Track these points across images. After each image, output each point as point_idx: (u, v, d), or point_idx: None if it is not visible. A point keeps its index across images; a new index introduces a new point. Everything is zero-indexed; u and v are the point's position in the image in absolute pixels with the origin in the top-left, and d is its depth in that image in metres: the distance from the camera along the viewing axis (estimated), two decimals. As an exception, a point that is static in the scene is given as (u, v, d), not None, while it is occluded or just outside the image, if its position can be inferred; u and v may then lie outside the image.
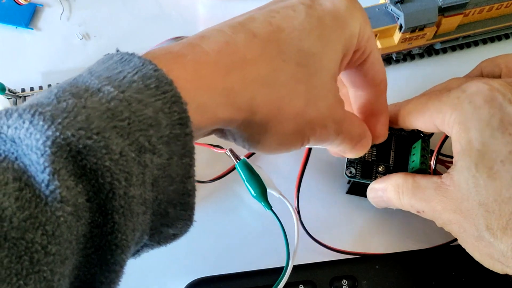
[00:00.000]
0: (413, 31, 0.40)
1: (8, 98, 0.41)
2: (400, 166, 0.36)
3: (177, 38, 0.42)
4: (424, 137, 0.36)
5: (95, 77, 0.20)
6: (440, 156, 0.35)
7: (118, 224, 0.19)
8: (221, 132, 0.26)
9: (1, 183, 0.17)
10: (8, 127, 0.18)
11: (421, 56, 0.45)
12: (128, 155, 0.19)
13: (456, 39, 0.44)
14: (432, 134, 0.36)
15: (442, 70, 0.45)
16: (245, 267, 0.36)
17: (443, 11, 0.40)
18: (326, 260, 0.36)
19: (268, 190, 0.34)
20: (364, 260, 0.36)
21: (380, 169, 0.36)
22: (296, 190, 0.36)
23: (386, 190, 0.34)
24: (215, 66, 0.23)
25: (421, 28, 0.40)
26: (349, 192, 0.39)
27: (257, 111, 0.24)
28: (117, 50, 0.22)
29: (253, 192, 0.34)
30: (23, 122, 0.18)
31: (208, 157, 0.39)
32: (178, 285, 0.35)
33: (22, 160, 0.18)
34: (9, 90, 0.41)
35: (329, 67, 0.26)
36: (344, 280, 0.34)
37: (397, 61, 0.45)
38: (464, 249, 0.31)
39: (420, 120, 0.32)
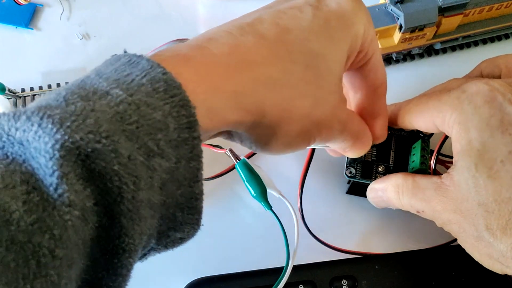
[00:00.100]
0: (413, 31, 0.40)
1: (8, 98, 0.41)
2: (400, 166, 0.36)
3: (181, 40, 0.42)
4: (424, 137, 0.36)
5: (103, 79, 0.20)
6: (440, 156, 0.35)
7: (126, 228, 0.19)
8: (228, 134, 0.26)
9: (9, 186, 0.17)
10: (16, 129, 0.18)
11: (421, 56, 0.45)
12: (137, 159, 0.19)
13: (456, 39, 0.44)
14: (432, 134, 0.36)
15: (442, 70, 0.45)
16: (245, 267, 0.36)
17: (443, 11, 0.40)
18: (326, 260, 0.36)
19: (268, 190, 0.34)
20: (364, 260, 0.36)
21: (380, 169, 0.36)
22: (300, 189, 0.36)
23: (386, 190, 0.34)
24: (225, 69, 0.23)
25: (421, 28, 0.40)
26: (349, 192, 0.39)
27: (266, 113, 0.24)
28: (125, 51, 0.22)
29: (253, 192, 0.34)
30: (32, 125, 0.18)
31: (208, 157, 0.38)
32: (178, 285, 0.35)
33: (30, 163, 0.18)
34: (9, 90, 0.41)
35: (336, 68, 0.27)
36: (344, 280, 0.34)
37: (397, 61, 0.45)
38: (464, 249, 0.31)
39: (420, 120, 0.32)
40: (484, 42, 0.46)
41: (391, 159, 0.37)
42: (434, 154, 0.33)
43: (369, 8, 0.40)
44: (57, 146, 0.17)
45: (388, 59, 0.44)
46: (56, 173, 0.17)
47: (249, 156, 0.39)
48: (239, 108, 0.23)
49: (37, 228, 0.17)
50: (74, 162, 0.18)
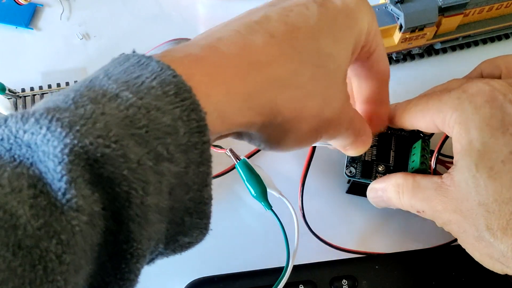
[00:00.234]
0: (413, 31, 0.40)
1: (8, 98, 0.41)
2: (400, 166, 0.36)
3: (179, 40, 0.42)
4: (424, 137, 0.36)
5: (112, 80, 0.20)
6: (440, 156, 0.35)
7: (134, 233, 0.18)
8: (237, 134, 0.26)
9: (16, 190, 0.17)
10: (24, 132, 0.18)
11: (421, 56, 0.45)
12: (146, 164, 0.19)
13: (456, 39, 0.44)
14: (432, 134, 0.36)
15: (442, 70, 0.45)
16: (245, 267, 0.36)
17: (443, 11, 0.40)
18: (326, 260, 0.36)
19: (268, 190, 0.34)
20: (364, 260, 0.36)
21: (380, 169, 0.36)
22: (300, 189, 0.36)
23: (386, 190, 0.34)
24: (236, 70, 0.23)
25: (421, 28, 0.40)
26: (349, 191, 0.39)
27: (277, 113, 0.24)
28: (133, 51, 0.22)
29: (253, 192, 0.34)
30: (40, 128, 0.17)
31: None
32: (178, 285, 0.35)
33: (38, 166, 0.18)
34: (9, 90, 0.41)
35: (342, 66, 0.26)
36: (344, 280, 0.34)
37: (397, 61, 0.45)
38: (464, 249, 0.31)
39: (421, 120, 0.32)
40: (484, 42, 0.46)
41: (391, 159, 0.37)
42: (435, 154, 0.33)
43: (369, 8, 0.41)
44: (66, 151, 0.17)
45: (388, 59, 0.44)
46: (65, 178, 0.17)
47: (249, 156, 0.39)
48: (251, 109, 0.23)
49: (44, 233, 0.16)
50: (82, 167, 0.17)
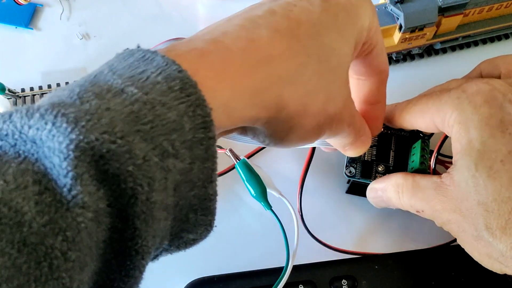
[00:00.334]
0: (413, 31, 0.40)
1: (8, 98, 0.41)
2: (400, 166, 0.36)
3: (178, 40, 0.42)
4: (424, 137, 0.36)
5: (117, 75, 0.20)
6: (439, 156, 0.35)
7: (139, 230, 0.18)
8: (241, 129, 0.26)
9: (21, 186, 0.16)
10: (29, 127, 0.17)
11: (421, 56, 0.45)
12: (152, 160, 0.18)
13: (456, 39, 0.44)
14: (432, 134, 0.36)
15: (442, 70, 0.45)
16: (245, 267, 0.36)
17: (443, 11, 0.40)
18: (326, 260, 0.36)
19: (268, 190, 0.34)
20: (364, 260, 0.36)
21: (379, 169, 0.36)
22: (299, 189, 0.36)
23: (386, 190, 0.34)
24: (242, 65, 0.22)
25: (421, 28, 0.40)
26: (349, 191, 0.39)
27: (283, 108, 0.24)
28: (138, 46, 0.22)
29: (253, 192, 0.34)
30: (45, 123, 0.17)
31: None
32: (178, 285, 0.35)
33: (43, 162, 0.17)
34: (9, 90, 0.41)
35: (345, 62, 0.26)
36: (344, 280, 0.34)
37: (397, 61, 0.45)
38: (464, 249, 0.31)
39: (420, 120, 0.32)
40: (484, 42, 0.46)
41: (391, 159, 0.37)
42: (434, 154, 0.34)
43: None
44: (72, 146, 0.17)
45: (388, 59, 0.44)
46: (70, 174, 0.17)
47: (249, 156, 0.39)
48: (257, 104, 0.23)
49: (49, 230, 0.16)
50: (88, 163, 0.17)
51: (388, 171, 0.36)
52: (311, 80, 0.25)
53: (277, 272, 0.33)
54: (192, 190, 0.21)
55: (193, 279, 0.35)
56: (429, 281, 0.35)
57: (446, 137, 0.33)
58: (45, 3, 0.47)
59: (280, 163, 0.40)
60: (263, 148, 0.39)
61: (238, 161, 0.35)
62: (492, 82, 0.30)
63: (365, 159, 0.37)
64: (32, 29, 0.45)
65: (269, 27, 0.24)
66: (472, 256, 0.30)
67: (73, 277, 0.17)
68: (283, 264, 0.33)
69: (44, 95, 0.42)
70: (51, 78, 0.43)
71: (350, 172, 0.36)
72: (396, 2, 0.39)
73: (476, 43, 0.46)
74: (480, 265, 0.30)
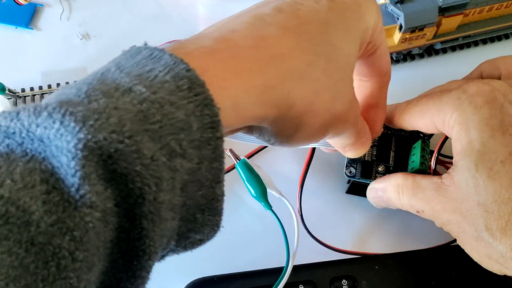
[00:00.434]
0: (413, 31, 0.40)
1: (8, 98, 0.41)
2: (400, 166, 0.36)
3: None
4: (424, 137, 0.36)
5: (124, 74, 0.20)
6: (440, 157, 0.35)
7: (146, 230, 0.18)
8: (248, 127, 0.26)
9: (28, 185, 0.16)
10: (37, 126, 0.17)
11: (421, 56, 0.45)
12: (159, 159, 0.18)
13: (456, 39, 0.44)
14: (432, 134, 0.36)
15: (442, 70, 0.45)
16: (245, 267, 0.36)
17: (443, 11, 0.40)
18: (326, 260, 0.36)
19: (268, 190, 0.34)
20: (364, 260, 0.36)
21: (380, 169, 0.36)
22: (299, 189, 0.36)
23: (386, 190, 0.34)
24: (252, 63, 0.22)
25: (421, 28, 0.40)
26: (349, 192, 0.39)
27: (291, 106, 0.24)
28: (145, 44, 0.22)
29: (253, 192, 0.34)
30: (53, 122, 0.17)
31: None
32: (178, 285, 0.35)
33: (51, 161, 0.17)
34: (9, 90, 0.41)
35: (351, 61, 0.26)
36: (344, 280, 0.34)
37: (397, 61, 0.45)
38: (464, 250, 0.31)
39: (420, 121, 0.32)
40: (484, 42, 0.46)
41: (391, 159, 0.37)
42: (434, 154, 0.33)
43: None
44: (80, 146, 0.17)
45: (390, 59, 0.44)
46: (78, 174, 0.17)
47: (249, 156, 0.39)
48: (266, 103, 0.23)
49: (57, 230, 0.16)
50: (96, 162, 0.17)
51: (388, 171, 0.36)
52: (319, 79, 0.24)
53: (277, 272, 0.33)
54: (200, 190, 0.21)
55: (193, 279, 0.35)
56: (429, 281, 0.35)
57: (446, 137, 0.33)
58: (45, 3, 0.47)
59: (280, 163, 0.40)
60: (263, 148, 0.39)
61: (238, 161, 0.35)
62: (493, 83, 0.29)
63: (365, 159, 0.37)
64: (32, 29, 0.45)
65: (278, 25, 0.24)
66: (471, 257, 0.30)
67: (81, 277, 0.17)
68: (283, 264, 0.33)
69: (44, 95, 0.42)
70: (51, 78, 0.43)
71: (350, 172, 0.36)
72: (396, 2, 0.39)
73: (476, 43, 0.46)
74: (480, 266, 0.30)
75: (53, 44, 0.45)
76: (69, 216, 0.17)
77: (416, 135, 0.37)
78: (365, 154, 0.35)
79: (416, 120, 0.32)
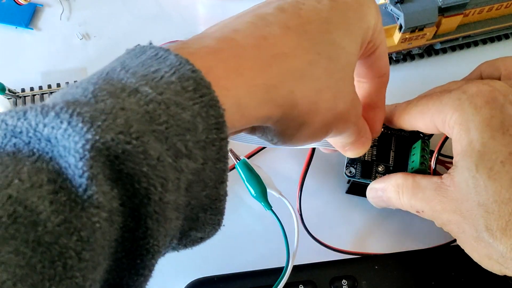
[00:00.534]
0: (413, 31, 0.40)
1: (8, 98, 0.41)
2: (400, 166, 0.36)
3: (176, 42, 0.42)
4: (424, 137, 0.36)
5: (130, 74, 0.20)
6: (440, 157, 0.35)
7: (151, 229, 0.18)
8: (251, 128, 0.26)
9: (35, 185, 0.16)
10: (44, 125, 0.17)
11: (421, 56, 0.45)
12: (165, 160, 0.18)
13: (456, 39, 0.44)
14: (432, 134, 0.36)
15: (442, 71, 0.45)
16: (245, 267, 0.36)
17: (443, 11, 0.40)
18: (326, 260, 0.36)
19: (268, 190, 0.34)
20: (364, 260, 0.36)
21: (379, 169, 0.36)
22: (299, 190, 0.36)
23: (386, 190, 0.34)
24: (255, 62, 0.22)
25: (421, 28, 0.40)
26: (349, 192, 0.39)
27: (295, 105, 0.24)
28: (150, 43, 0.22)
29: (253, 192, 0.34)
30: (61, 122, 0.17)
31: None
32: (178, 285, 0.35)
33: (58, 161, 0.17)
34: (9, 90, 0.41)
35: (352, 60, 0.26)
36: (344, 280, 0.34)
37: (397, 61, 0.45)
38: (464, 250, 0.31)
39: (420, 121, 0.32)
40: (484, 42, 0.46)
41: (391, 159, 0.37)
42: (434, 154, 0.34)
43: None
44: (88, 147, 0.17)
45: (388, 59, 0.44)
46: (86, 174, 0.17)
47: (249, 156, 0.39)
48: (270, 102, 0.23)
49: (64, 230, 0.16)
50: (103, 163, 0.17)
51: (388, 171, 0.36)
52: (322, 78, 0.25)
53: (277, 272, 0.33)
54: (204, 191, 0.21)
55: (193, 279, 0.35)
56: (429, 281, 0.35)
57: (446, 137, 0.33)
58: (45, 3, 0.47)
59: (280, 163, 0.40)
60: (263, 148, 0.39)
61: (238, 161, 0.35)
62: (493, 84, 0.30)
63: (365, 159, 0.37)
64: (32, 29, 0.45)
65: (280, 24, 0.24)
66: (471, 257, 0.30)
67: (87, 277, 0.17)
68: (283, 264, 0.33)
69: (44, 95, 0.42)
70: (51, 78, 0.43)
71: (350, 172, 0.36)
72: (396, 2, 0.39)
73: (476, 43, 0.46)
74: (480, 266, 0.30)
75: (53, 44, 0.45)
76: (76, 216, 0.17)
77: (416, 135, 0.37)
78: (365, 154, 0.35)
79: (416, 120, 0.32)
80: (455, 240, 0.34)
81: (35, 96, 0.42)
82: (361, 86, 0.32)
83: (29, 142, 0.18)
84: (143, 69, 0.20)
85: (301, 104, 0.24)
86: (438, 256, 0.36)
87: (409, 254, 0.36)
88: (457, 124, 0.29)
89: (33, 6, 0.46)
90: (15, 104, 0.42)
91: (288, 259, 0.32)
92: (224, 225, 0.23)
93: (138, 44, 0.22)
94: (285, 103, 0.23)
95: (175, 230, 0.20)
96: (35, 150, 0.18)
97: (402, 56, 0.44)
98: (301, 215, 0.36)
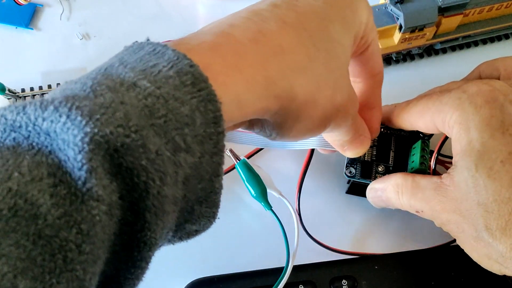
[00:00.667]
0: (413, 31, 0.40)
1: (8, 98, 0.41)
2: (400, 166, 0.36)
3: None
4: (424, 137, 0.36)
5: (128, 69, 0.20)
6: (439, 157, 0.35)
7: (149, 223, 0.18)
8: (249, 122, 0.26)
9: (36, 178, 0.17)
10: (44, 119, 0.17)
11: (421, 56, 0.45)
12: (164, 154, 0.19)
13: (456, 39, 0.44)
14: (431, 134, 0.36)
15: (442, 70, 0.45)
16: (245, 267, 0.36)
17: (443, 11, 0.40)
18: (326, 260, 0.36)
19: (268, 190, 0.34)
20: (363, 260, 0.36)
21: (379, 169, 0.36)
22: (298, 190, 0.36)
23: (386, 190, 0.34)
24: (253, 57, 0.22)
25: (421, 28, 0.40)
26: (349, 192, 0.39)
27: (293, 99, 0.24)
28: (147, 39, 0.22)
29: (253, 192, 0.34)
30: (60, 116, 0.17)
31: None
32: (178, 285, 0.35)
33: (57, 154, 0.17)
34: (9, 90, 0.41)
35: (347, 53, 0.27)
36: (344, 280, 0.34)
37: (397, 61, 0.45)
38: (463, 250, 0.31)
39: (420, 121, 0.32)
40: (484, 42, 0.46)
41: (390, 159, 0.37)
42: (434, 154, 0.34)
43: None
44: (87, 139, 0.17)
45: (388, 59, 0.44)
46: (85, 167, 0.17)
47: (249, 156, 0.39)
48: (268, 96, 0.23)
49: (64, 223, 0.16)
50: (102, 156, 0.17)
51: (388, 171, 0.36)
52: (320, 70, 0.25)
53: (277, 272, 0.33)
54: (200, 183, 0.21)
55: (193, 279, 0.35)
56: (429, 281, 0.35)
57: (446, 137, 0.33)
58: (45, 3, 0.47)
59: (280, 163, 0.40)
60: (263, 148, 0.39)
61: (238, 161, 0.35)
62: (493, 83, 0.30)
63: (365, 159, 0.37)
64: (32, 29, 0.45)
65: (276, 19, 0.24)
66: (471, 257, 0.30)
67: (87, 270, 0.17)
68: (283, 264, 0.33)
69: (44, 95, 0.42)
70: (51, 78, 0.43)
71: (350, 172, 0.36)
72: (396, 2, 0.39)
73: (476, 43, 0.46)
74: (480, 266, 0.30)
75: (53, 44, 0.45)
76: (76, 209, 0.17)
77: (416, 135, 0.37)
78: (364, 154, 0.35)
79: (416, 120, 0.32)
80: (454, 240, 0.34)
81: (35, 96, 0.42)
82: (356, 87, 0.32)
83: (29, 136, 0.18)
84: (141, 64, 0.20)
85: (300, 97, 0.24)
86: (438, 256, 0.36)
87: (409, 254, 0.36)
88: (457, 123, 0.29)
89: (33, 6, 0.46)
90: (15, 104, 0.42)
91: (288, 259, 0.32)
92: (219, 218, 0.23)
93: (136, 41, 0.22)
94: (284, 96, 0.23)
95: (172, 222, 0.20)
96: (34, 144, 0.18)
97: (402, 56, 0.44)
98: (300, 215, 0.36)
